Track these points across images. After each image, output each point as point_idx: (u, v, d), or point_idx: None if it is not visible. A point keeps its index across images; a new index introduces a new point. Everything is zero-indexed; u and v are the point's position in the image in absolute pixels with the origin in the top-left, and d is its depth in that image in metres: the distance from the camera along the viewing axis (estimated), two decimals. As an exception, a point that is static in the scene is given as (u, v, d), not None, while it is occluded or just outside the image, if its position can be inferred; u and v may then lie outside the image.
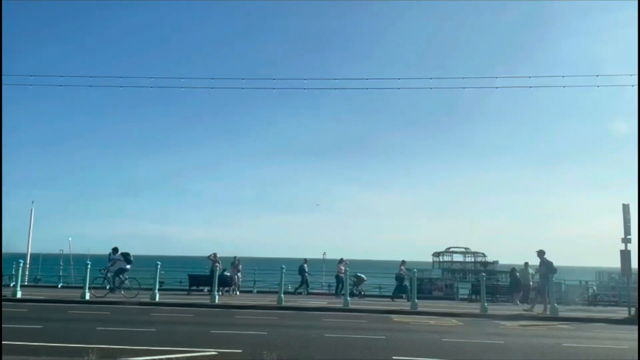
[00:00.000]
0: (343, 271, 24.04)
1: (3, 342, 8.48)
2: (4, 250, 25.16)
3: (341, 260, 24.08)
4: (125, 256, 19.63)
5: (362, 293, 23.27)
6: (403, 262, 24.47)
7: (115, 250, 20.02)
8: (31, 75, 20.54)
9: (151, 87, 21.20)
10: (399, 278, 23.02)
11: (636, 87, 16.39)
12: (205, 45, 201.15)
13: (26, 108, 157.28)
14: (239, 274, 23.13)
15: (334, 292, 23.90)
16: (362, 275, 24.11)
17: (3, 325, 10.68)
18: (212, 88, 21.47)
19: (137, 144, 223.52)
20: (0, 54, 17.37)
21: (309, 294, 23.75)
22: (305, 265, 24.32)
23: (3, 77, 18.07)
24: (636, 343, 10.11)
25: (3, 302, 16.51)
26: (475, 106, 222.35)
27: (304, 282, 24.14)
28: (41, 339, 9.39)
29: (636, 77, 16.49)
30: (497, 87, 19.77)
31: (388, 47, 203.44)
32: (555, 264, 17.71)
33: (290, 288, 24.09)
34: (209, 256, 22.36)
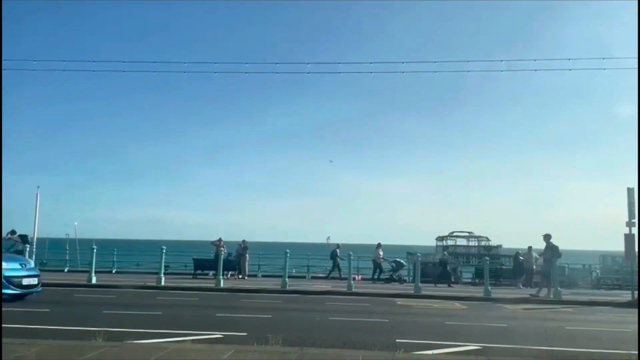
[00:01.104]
0: (381, 256, 23.97)
1: (11, 326, 8.59)
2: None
3: (379, 245, 24.01)
4: (23, 238, 19.85)
5: (402, 278, 23.11)
6: (446, 247, 24.60)
7: (12, 232, 20.19)
8: (34, 60, 20.50)
9: (154, 72, 21.14)
10: (443, 263, 23.06)
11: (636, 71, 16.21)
12: (206, 30, 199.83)
13: (30, 92, 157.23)
14: (247, 258, 23.18)
15: (339, 276, 23.92)
16: (402, 261, 23.92)
17: (11, 309, 10.81)
18: (215, 73, 21.38)
19: (139, 129, 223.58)
20: (0, 41, 17.25)
21: (342, 278, 23.60)
22: (338, 250, 24.38)
23: (4, 62, 18.01)
24: (639, 326, 10.14)
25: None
26: (479, 91, 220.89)
27: (336, 267, 24.19)
28: (48, 322, 9.49)
29: (636, 60, 16.30)
30: (502, 71, 19.62)
31: (392, 32, 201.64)
32: (560, 247, 17.72)
33: (294, 272, 24.21)
34: (214, 242, 22.50)
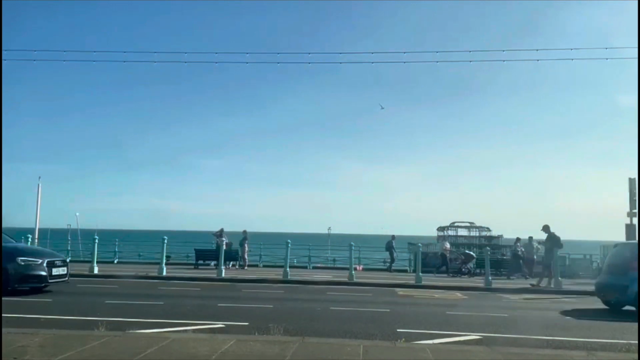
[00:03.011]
0: (448, 249, 23.24)
1: (14, 315, 8.64)
2: (12, 225, 25.48)
3: (444, 238, 23.59)
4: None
5: (471, 271, 22.45)
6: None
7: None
8: (35, 50, 20.43)
9: (154, 62, 21.10)
10: (516, 255, 22.46)
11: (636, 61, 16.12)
12: (207, 20, 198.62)
13: (30, 82, 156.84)
14: (246, 248, 23.30)
15: (338, 266, 23.89)
16: (472, 253, 23.34)
17: (14, 299, 10.87)
18: (216, 63, 21.33)
19: (140, 120, 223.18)
20: (0, 32, 17.16)
21: (392, 270, 23.37)
22: (394, 242, 24.19)
23: (4, 52, 17.96)
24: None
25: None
26: (482, 81, 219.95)
27: (392, 259, 24.04)
28: (51, 312, 9.55)
29: (636, 50, 16.20)
30: (503, 61, 19.52)
31: (395, 23, 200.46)
32: (561, 237, 17.72)
33: (295, 262, 24.26)
34: (215, 233, 22.61)
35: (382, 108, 78.51)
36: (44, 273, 12.01)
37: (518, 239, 23.12)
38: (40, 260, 12.19)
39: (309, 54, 20.29)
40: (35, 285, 12.02)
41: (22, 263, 11.77)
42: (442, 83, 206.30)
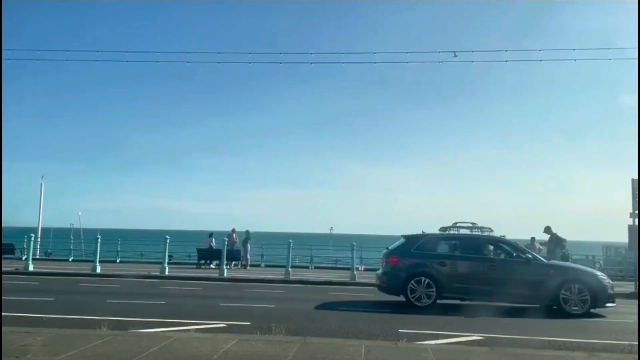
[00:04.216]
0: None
1: (16, 314, 8.67)
2: (14, 224, 25.57)
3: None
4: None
5: None
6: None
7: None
8: (37, 50, 20.49)
9: (157, 62, 21.15)
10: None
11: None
12: (209, 19, 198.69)
13: (33, 80, 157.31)
14: (248, 248, 23.34)
15: (341, 266, 23.86)
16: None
17: (17, 298, 10.90)
18: (218, 62, 21.38)
19: (142, 119, 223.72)
20: (0, 31, 17.22)
21: None
22: None
23: (5, 52, 18.01)
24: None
25: (16, 275, 16.86)
26: (485, 81, 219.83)
27: None
28: (53, 311, 9.57)
29: (636, 50, 16.17)
30: (506, 61, 19.47)
31: (397, 22, 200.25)
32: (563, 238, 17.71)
33: (297, 262, 24.26)
34: (228, 235, 22.79)
35: (455, 55, 74.81)
36: (613, 292, 11.50)
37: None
38: (608, 279, 11.79)
39: (311, 54, 20.34)
40: (613, 305, 11.33)
41: (605, 283, 11.39)
42: (444, 83, 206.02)
